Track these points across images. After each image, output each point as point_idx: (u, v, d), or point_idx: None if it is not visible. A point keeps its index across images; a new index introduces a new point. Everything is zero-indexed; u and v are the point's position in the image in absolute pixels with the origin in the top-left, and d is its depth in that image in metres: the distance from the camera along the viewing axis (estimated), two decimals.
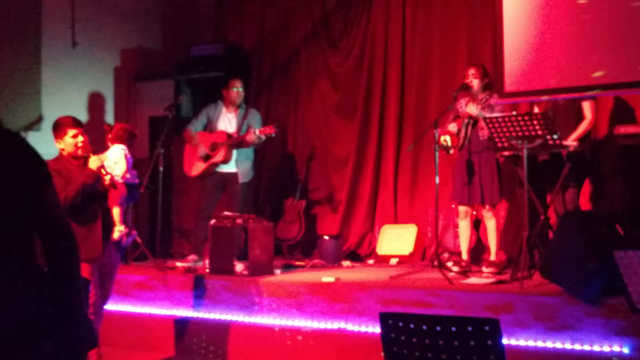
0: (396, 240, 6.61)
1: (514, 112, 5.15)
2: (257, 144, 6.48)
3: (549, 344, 4.18)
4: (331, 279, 5.10)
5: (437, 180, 5.40)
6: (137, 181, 4.91)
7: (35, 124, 6.56)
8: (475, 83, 5.57)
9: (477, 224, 6.10)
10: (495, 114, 5.16)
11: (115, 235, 4.50)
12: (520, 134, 4.84)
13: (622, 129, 5.17)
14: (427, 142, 6.08)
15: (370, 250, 6.87)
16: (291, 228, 6.88)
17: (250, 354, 5.10)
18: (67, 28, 7.01)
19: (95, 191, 4.20)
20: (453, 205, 6.09)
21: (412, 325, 2.72)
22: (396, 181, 6.92)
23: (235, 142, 6.37)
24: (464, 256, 5.74)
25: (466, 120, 5.54)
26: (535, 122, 4.78)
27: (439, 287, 4.72)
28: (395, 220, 6.84)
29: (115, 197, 4.58)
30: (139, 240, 6.09)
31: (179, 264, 6.14)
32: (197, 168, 6.47)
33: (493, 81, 5.67)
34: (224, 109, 6.58)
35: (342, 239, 6.79)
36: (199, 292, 5.42)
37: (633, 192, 5.60)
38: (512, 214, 6.15)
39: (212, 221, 5.72)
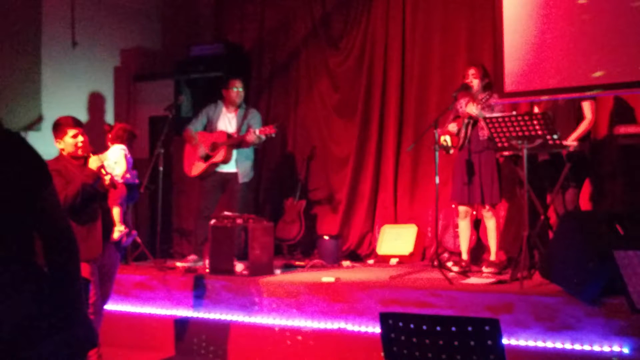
0: (396, 240, 6.61)
1: (514, 112, 5.15)
2: (257, 144, 6.48)
3: (549, 344, 4.18)
4: (331, 279, 5.10)
5: (437, 180, 5.40)
6: (137, 181, 4.92)
7: (35, 124, 6.55)
8: (475, 83, 5.57)
9: (477, 224, 6.10)
10: (495, 114, 5.16)
11: (115, 235, 4.50)
12: (520, 134, 4.84)
13: (622, 129, 5.18)
14: (427, 142, 6.08)
15: (370, 250, 6.87)
16: (291, 228, 6.88)
17: (250, 354, 5.10)
18: (67, 28, 7.02)
19: (95, 191, 4.20)
20: (453, 205, 6.09)
21: (412, 325, 2.72)
22: (396, 181, 6.92)
23: (235, 142, 6.37)
24: (464, 256, 5.74)
25: (466, 120, 5.54)
26: (535, 122, 4.78)
27: (439, 287, 4.71)
28: (395, 220, 6.84)
29: (115, 197, 4.59)
30: (139, 240, 6.10)
31: (179, 264, 6.14)
32: (197, 168, 6.47)
33: (493, 81, 5.67)
34: (224, 109, 6.58)
35: (342, 239, 6.79)
36: (199, 292, 5.42)
37: (633, 192, 5.60)
38: (512, 214, 6.15)
39: (212, 221, 5.71)
